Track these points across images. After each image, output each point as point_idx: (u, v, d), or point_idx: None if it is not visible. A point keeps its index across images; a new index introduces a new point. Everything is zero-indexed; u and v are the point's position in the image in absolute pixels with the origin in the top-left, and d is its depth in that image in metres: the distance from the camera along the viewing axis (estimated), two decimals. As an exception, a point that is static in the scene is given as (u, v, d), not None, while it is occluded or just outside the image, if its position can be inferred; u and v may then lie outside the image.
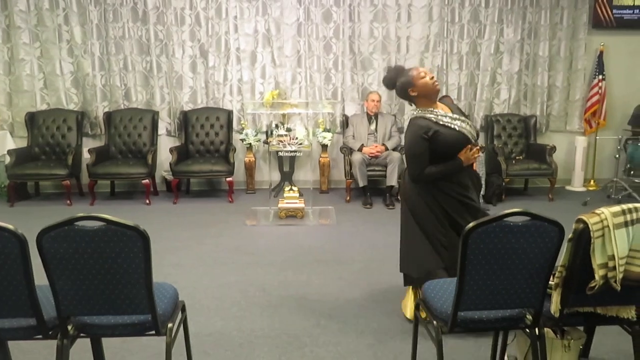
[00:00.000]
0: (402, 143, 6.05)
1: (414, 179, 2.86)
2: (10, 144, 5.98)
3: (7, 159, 5.68)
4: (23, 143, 6.06)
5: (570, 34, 6.38)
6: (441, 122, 2.78)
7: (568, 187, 6.58)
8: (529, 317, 2.17)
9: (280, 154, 5.72)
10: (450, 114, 2.82)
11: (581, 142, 6.46)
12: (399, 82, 2.86)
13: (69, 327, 2.08)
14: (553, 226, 1.99)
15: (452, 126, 2.78)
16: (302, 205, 5.28)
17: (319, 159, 6.28)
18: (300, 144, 5.44)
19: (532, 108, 6.53)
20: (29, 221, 4.90)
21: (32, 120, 6.00)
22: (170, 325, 2.15)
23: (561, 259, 2.08)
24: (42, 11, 5.97)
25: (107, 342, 2.54)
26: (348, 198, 5.95)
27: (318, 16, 6.20)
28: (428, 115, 2.80)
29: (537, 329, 2.16)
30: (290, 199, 5.31)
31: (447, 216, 2.86)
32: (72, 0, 5.96)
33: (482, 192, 5.62)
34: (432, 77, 2.81)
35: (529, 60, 6.42)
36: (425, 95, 2.81)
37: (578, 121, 6.62)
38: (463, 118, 2.85)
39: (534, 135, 6.36)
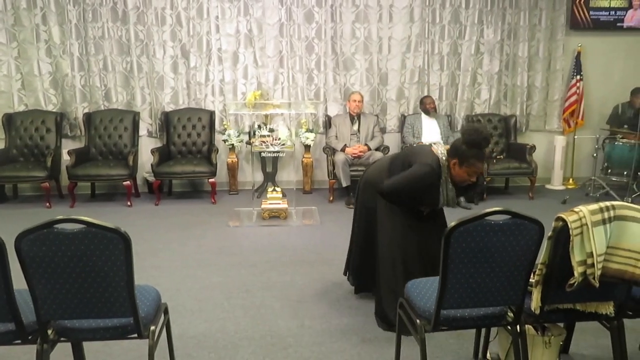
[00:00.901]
0: (385, 143, 6.10)
1: (386, 190, 2.85)
2: (-13, 146, 5.88)
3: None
4: (0, 145, 5.95)
5: (549, 35, 6.48)
6: (441, 184, 2.77)
7: (548, 186, 6.68)
8: (511, 314, 2.20)
9: (263, 154, 5.71)
10: (450, 189, 2.79)
11: (560, 141, 6.56)
12: (464, 145, 2.60)
13: (49, 332, 2.04)
14: (533, 224, 2.02)
15: (441, 195, 2.80)
16: (285, 205, 5.27)
17: (301, 160, 6.27)
18: (283, 144, 5.43)
19: (512, 108, 6.61)
20: (7, 224, 4.83)
21: (9, 121, 5.88)
22: (152, 328, 2.13)
23: (541, 256, 2.12)
24: (20, 11, 5.86)
25: (89, 346, 2.52)
26: (331, 198, 5.96)
27: (300, 16, 6.20)
28: (443, 177, 2.76)
29: (518, 326, 2.19)
30: (274, 200, 5.29)
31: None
32: (50, -1, 5.88)
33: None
34: (473, 180, 2.72)
35: (509, 61, 6.50)
36: (451, 175, 2.74)
37: (557, 121, 6.72)
38: (452, 197, 2.82)
39: (514, 134, 6.44)
